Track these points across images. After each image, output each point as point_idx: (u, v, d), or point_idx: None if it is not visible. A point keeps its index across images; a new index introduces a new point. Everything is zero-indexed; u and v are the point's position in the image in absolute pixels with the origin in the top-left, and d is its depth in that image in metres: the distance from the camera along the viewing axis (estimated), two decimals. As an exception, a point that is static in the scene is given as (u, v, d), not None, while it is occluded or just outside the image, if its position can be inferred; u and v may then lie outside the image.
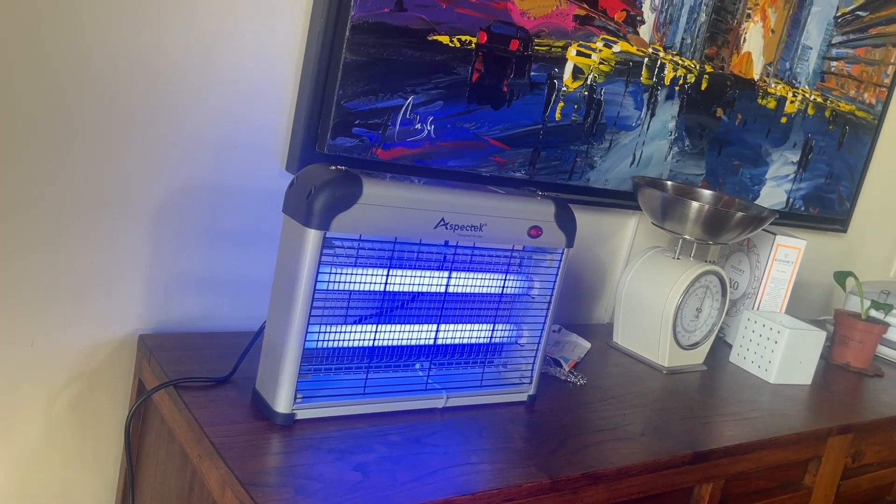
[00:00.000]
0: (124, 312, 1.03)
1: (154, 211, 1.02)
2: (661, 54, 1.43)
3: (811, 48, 1.71)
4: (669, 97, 1.48)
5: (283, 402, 0.85)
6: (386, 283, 0.90)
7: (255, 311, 1.13)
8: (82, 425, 1.05)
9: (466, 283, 0.97)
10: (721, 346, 1.55)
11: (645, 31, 1.39)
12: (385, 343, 0.94)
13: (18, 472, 1.02)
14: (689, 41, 1.47)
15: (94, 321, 1.02)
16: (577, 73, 1.32)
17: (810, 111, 1.78)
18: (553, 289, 1.02)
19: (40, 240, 0.95)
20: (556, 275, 1.02)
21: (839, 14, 1.73)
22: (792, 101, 1.72)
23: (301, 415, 0.87)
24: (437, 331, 0.97)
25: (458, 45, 1.15)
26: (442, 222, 0.90)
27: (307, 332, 0.84)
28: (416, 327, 0.96)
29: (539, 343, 1.04)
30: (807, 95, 1.75)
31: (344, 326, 0.90)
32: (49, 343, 0.99)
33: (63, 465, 1.05)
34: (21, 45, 0.88)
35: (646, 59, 1.41)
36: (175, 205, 1.03)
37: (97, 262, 1.00)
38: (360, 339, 0.92)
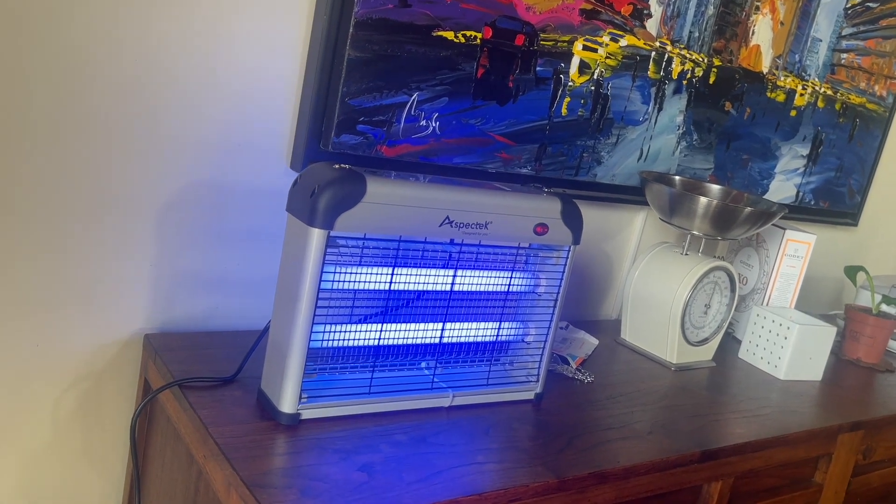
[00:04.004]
0: (129, 312, 1.03)
1: (159, 210, 1.01)
2: (669, 48, 1.42)
3: (821, 40, 1.69)
4: (677, 91, 1.46)
5: (288, 402, 0.85)
6: (391, 282, 0.90)
7: (260, 311, 1.13)
8: (88, 425, 1.05)
9: (472, 281, 0.96)
10: (730, 342, 1.54)
11: (652, 25, 1.37)
12: (390, 342, 0.94)
13: (25, 471, 1.02)
14: (696, 34, 1.45)
15: (100, 321, 1.01)
16: (584, 67, 1.31)
17: (820, 104, 1.76)
18: (559, 286, 1.01)
19: (45, 240, 0.95)
20: (563, 272, 1.01)
21: (849, 5, 1.71)
22: (801, 94, 1.71)
23: (306, 415, 0.86)
24: (442, 329, 0.97)
25: (462, 40, 1.14)
26: (447, 220, 0.89)
27: (312, 332, 0.84)
28: (422, 326, 0.95)
29: (546, 341, 1.03)
30: (816, 88, 1.73)
31: (349, 326, 0.90)
32: (55, 343, 0.99)
33: (69, 464, 1.05)
34: (27, 48, 0.87)
35: (653, 53, 1.39)
36: (180, 204, 1.03)
37: (102, 263, 1.00)
38: (365, 339, 0.92)
